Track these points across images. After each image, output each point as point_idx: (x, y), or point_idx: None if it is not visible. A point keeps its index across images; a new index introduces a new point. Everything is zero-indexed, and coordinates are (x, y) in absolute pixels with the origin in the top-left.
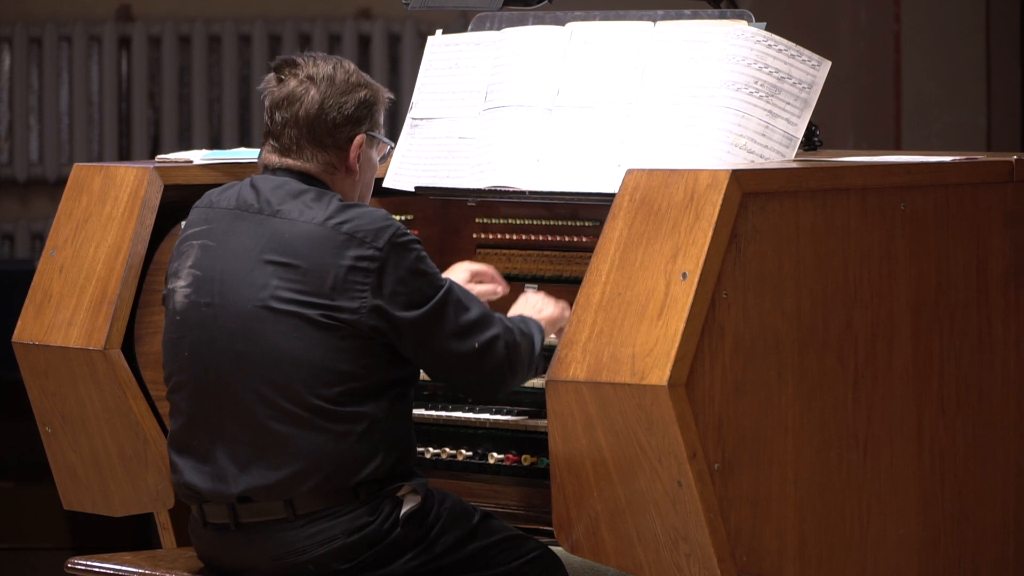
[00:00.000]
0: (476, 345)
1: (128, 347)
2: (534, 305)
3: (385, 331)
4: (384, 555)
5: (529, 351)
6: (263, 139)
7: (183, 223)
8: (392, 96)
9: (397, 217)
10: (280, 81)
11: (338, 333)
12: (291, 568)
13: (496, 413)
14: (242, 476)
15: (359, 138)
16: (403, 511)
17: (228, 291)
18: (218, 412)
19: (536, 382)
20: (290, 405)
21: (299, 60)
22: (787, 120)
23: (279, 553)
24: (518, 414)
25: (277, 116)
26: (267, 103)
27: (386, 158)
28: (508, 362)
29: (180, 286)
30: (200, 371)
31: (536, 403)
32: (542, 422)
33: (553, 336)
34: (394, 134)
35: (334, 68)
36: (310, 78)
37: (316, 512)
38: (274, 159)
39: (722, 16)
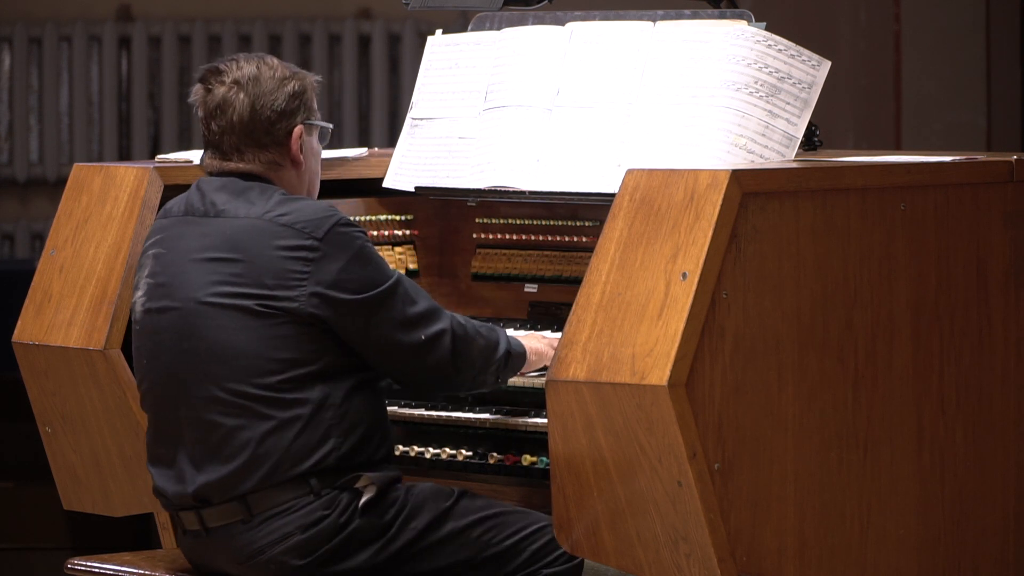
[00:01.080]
0: (423, 337)
1: (128, 347)
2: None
3: (325, 318)
4: (342, 549)
5: (485, 352)
6: (204, 148)
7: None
8: (319, 78)
9: (397, 217)
10: (208, 91)
11: (274, 320)
12: (255, 569)
13: (496, 413)
14: (197, 475)
15: (297, 129)
16: (361, 501)
17: (175, 293)
18: (176, 415)
19: (536, 382)
20: (233, 397)
21: (222, 67)
22: (787, 120)
23: (242, 556)
24: (518, 414)
25: (213, 126)
26: (200, 114)
27: (326, 140)
28: (454, 357)
29: (138, 296)
30: (159, 376)
31: (536, 403)
32: (542, 422)
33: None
34: (394, 134)
35: (258, 67)
36: (236, 82)
37: (271, 509)
38: (216, 164)
39: (722, 16)
